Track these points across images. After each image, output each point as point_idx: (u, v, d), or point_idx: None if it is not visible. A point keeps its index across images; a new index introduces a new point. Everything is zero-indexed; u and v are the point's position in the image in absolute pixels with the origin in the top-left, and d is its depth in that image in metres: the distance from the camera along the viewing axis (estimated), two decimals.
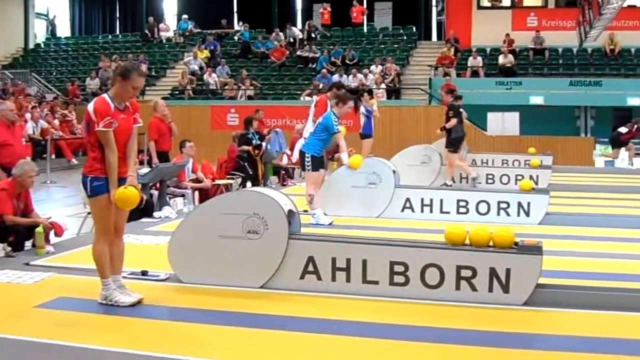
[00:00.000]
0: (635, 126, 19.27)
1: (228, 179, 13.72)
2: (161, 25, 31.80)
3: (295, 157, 15.87)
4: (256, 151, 14.64)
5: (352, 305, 5.87)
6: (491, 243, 5.99)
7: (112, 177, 5.54)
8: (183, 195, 11.71)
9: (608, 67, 25.67)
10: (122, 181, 5.59)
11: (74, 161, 20.94)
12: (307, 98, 15.23)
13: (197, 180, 12.28)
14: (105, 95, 5.69)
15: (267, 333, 5.15)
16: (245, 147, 14.56)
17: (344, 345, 4.94)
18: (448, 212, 10.26)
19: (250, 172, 14.39)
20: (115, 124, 5.54)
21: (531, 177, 12.49)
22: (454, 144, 13.55)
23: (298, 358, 4.69)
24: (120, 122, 5.59)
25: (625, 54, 26.16)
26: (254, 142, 14.58)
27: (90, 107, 5.59)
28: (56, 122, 22.26)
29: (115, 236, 5.80)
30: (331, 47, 27.77)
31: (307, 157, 9.85)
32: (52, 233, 7.93)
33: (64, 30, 35.46)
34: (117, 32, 34.64)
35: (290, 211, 6.39)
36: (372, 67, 25.58)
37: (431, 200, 10.34)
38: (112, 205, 5.59)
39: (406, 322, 5.45)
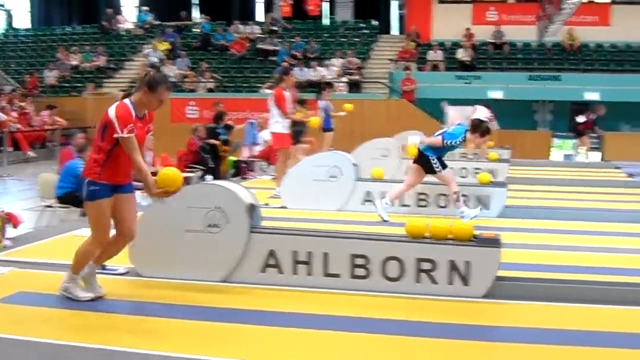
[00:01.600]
0: (592, 115, 19.48)
1: (187, 172, 13.63)
2: (119, 17, 31.42)
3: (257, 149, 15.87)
4: (225, 147, 14.63)
5: (313, 299, 5.88)
6: (450, 236, 6.04)
7: (146, 179, 5.58)
8: (142, 189, 11.57)
9: (567, 62, 25.94)
10: (122, 189, 5.65)
11: (31, 154, 20.65)
12: (267, 91, 15.15)
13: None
14: (127, 102, 5.55)
15: (228, 327, 5.14)
16: (212, 141, 14.55)
17: (304, 338, 4.95)
18: (408, 205, 10.32)
19: (212, 166, 14.34)
20: (135, 131, 5.47)
21: (490, 171, 12.59)
22: None
23: (258, 351, 4.68)
24: (137, 130, 5.50)
25: (584, 49, 26.48)
26: (221, 137, 14.59)
27: (112, 112, 5.43)
28: (14, 114, 21.89)
29: (126, 238, 5.80)
30: (292, 40, 27.71)
31: (434, 160, 9.78)
32: (8, 227, 7.79)
33: (23, 22, 34.91)
34: (76, 23, 34.14)
35: (251, 205, 6.38)
36: (333, 61, 25.59)
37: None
38: (109, 210, 5.56)
39: (367, 315, 5.46)
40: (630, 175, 16.08)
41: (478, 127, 10.09)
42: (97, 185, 5.48)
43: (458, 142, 9.81)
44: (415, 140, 10.67)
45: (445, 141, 9.60)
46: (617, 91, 23.42)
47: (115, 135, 5.39)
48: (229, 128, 15.36)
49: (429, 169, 9.79)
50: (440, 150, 9.79)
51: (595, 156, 21.47)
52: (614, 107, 21.93)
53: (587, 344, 4.89)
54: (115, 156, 5.51)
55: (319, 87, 17.02)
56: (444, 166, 9.86)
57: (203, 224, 6.23)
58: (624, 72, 24.68)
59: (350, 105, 15.52)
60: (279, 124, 11.55)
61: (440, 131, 10.04)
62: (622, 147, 20.66)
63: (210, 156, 14.47)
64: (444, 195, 10.18)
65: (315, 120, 12.91)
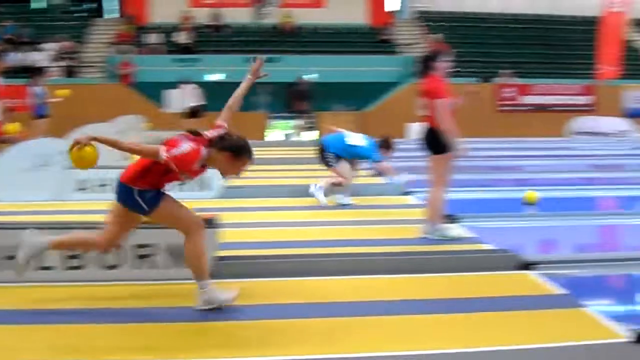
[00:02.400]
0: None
1: None
2: None
3: None
4: None
5: (20, 294, 5.56)
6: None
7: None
8: None
9: (285, 44, 26.74)
10: None
11: None
12: None
13: None
14: (203, 150, 5.02)
15: None
16: None
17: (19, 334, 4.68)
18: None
19: None
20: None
21: None
22: None
23: None
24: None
25: (301, 31, 27.43)
26: None
27: (186, 147, 4.94)
28: None
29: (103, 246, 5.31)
30: (3, 24, 25.91)
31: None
32: None
33: None
34: None
35: None
36: (47, 45, 24.29)
37: (108, 180, 10.09)
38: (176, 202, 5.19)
39: (88, 305, 5.30)
40: None
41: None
42: (151, 192, 5.10)
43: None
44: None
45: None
46: (333, 72, 24.60)
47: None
48: None
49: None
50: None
51: (311, 135, 22.41)
52: (327, 87, 23.04)
53: (314, 315, 5.08)
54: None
55: (31, 72, 16.15)
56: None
57: None
58: (339, 54, 25.91)
59: (65, 91, 14.85)
60: None
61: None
62: (337, 125, 21.70)
63: None
64: None
65: None
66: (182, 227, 5.24)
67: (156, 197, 5.14)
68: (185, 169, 5.00)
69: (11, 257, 5.76)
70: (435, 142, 7.43)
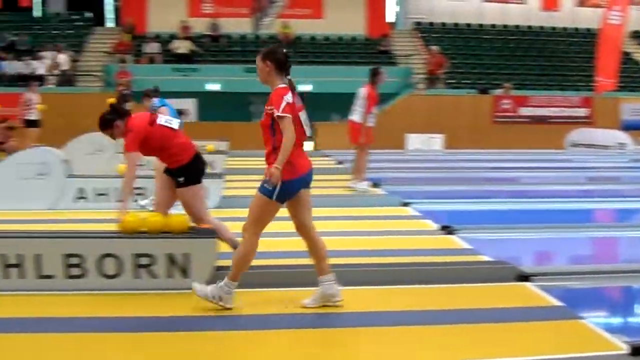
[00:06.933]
0: None
1: None
2: None
3: None
4: None
5: (27, 302, 5.58)
6: (167, 229, 6.00)
7: None
8: None
9: None
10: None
11: None
12: None
13: None
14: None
15: None
16: None
17: (20, 342, 4.71)
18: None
19: None
20: None
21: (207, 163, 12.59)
22: None
23: None
24: None
25: (298, 41, 27.53)
26: None
27: None
28: None
29: None
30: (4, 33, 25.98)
31: None
32: None
33: None
34: None
35: None
36: (45, 54, 24.32)
37: (106, 190, 10.13)
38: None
39: (86, 314, 5.31)
40: (340, 162, 17.03)
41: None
42: None
43: None
44: None
45: None
46: (328, 82, 24.66)
47: None
48: None
49: None
50: None
51: (308, 145, 22.42)
52: (325, 98, 23.07)
53: (306, 325, 5.12)
54: None
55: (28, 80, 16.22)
56: None
57: None
58: (336, 64, 25.99)
59: (41, 106, 14.76)
60: None
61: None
62: (332, 136, 21.75)
63: None
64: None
65: None
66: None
67: None
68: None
69: (10, 266, 5.81)
70: None
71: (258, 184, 5.37)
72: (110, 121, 6.39)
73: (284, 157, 5.19)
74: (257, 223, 5.45)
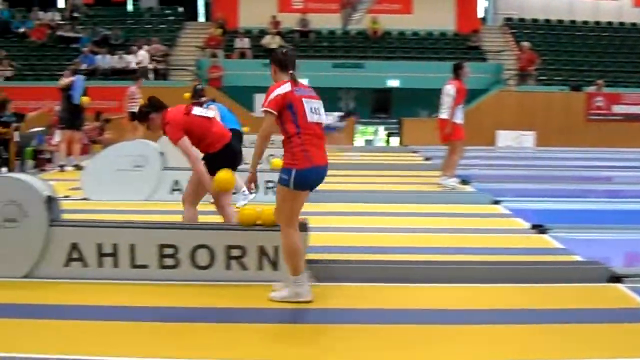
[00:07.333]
0: None
1: None
2: None
3: (57, 140, 15.21)
4: (4, 130, 13.90)
5: (120, 291, 5.73)
6: (259, 222, 6.07)
7: None
8: None
9: (370, 49, 26.78)
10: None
11: None
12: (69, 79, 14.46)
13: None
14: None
15: (32, 323, 4.91)
16: None
17: (111, 330, 4.81)
18: None
19: (6, 157, 13.66)
20: None
21: None
22: None
23: (63, 346, 4.47)
24: None
25: (387, 37, 27.44)
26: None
27: None
28: None
29: None
30: (94, 27, 26.74)
31: None
32: None
33: None
34: None
35: (49, 197, 6.09)
36: (138, 48, 24.93)
37: None
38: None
39: (177, 304, 5.41)
40: (427, 158, 16.91)
41: None
42: None
43: None
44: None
45: None
46: (416, 78, 24.50)
47: None
48: (20, 117, 14.54)
49: None
50: None
51: (395, 141, 22.35)
52: (413, 93, 22.95)
53: (402, 321, 5.08)
54: None
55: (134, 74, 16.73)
56: None
57: None
58: (424, 60, 25.79)
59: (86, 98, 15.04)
60: None
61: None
62: (420, 132, 21.65)
63: (3, 147, 13.76)
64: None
65: None
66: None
67: None
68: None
69: (105, 255, 5.99)
70: None
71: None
72: (146, 114, 6.78)
73: (256, 153, 5.59)
74: (284, 214, 5.49)
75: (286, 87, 5.41)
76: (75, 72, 14.01)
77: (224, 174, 6.46)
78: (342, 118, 18.18)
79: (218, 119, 8.37)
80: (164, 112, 6.73)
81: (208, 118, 6.89)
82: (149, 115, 6.75)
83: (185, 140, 6.62)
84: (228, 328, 4.93)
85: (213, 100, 10.49)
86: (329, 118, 15.98)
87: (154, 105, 6.79)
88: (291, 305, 5.37)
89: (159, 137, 8.65)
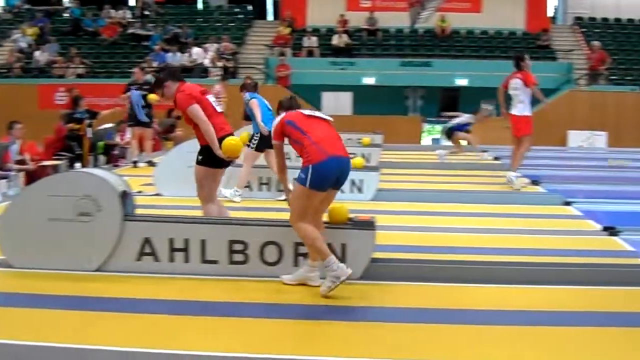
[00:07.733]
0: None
1: (55, 159, 13.27)
2: None
3: (128, 136, 15.53)
4: (77, 126, 14.26)
5: (190, 285, 5.83)
6: (327, 219, 6.11)
7: None
8: (7, 178, 11.25)
9: (438, 48, 26.58)
10: None
11: None
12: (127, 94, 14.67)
13: (23, 162, 11.85)
14: None
15: (104, 315, 5.03)
16: (70, 126, 14.22)
17: (182, 325, 4.90)
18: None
19: (80, 152, 14.03)
20: None
21: (363, 155, 12.80)
22: None
23: (136, 339, 4.57)
24: None
25: (455, 35, 27.22)
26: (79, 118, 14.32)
27: None
28: None
29: None
30: (164, 24, 27.20)
31: (256, 137, 10.17)
32: None
33: None
34: None
35: (123, 192, 6.25)
36: (208, 46, 25.28)
37: (269, 180, 10.43)
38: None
39: (246, 299, 5.47)
40: (496, 158, 16.71)
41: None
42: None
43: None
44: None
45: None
46: (485, 77, 24.18)
47: None
48: (93, 114, 14.89)
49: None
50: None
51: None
52: (481, 92, 22.64)
53: (459, 322, 5.06)
54: None
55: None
56: (261, 149, 10.11)
57: (74, 213, 6.05)
58: (493, 59, 25.48)
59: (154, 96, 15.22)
60: None
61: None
62: (489, 131, 21.37)
63: (77, 143, 14.12)
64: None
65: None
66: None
67: None
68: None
69: (176, 250, 6.10)
70: None
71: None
72: (163, 80, 6.90)
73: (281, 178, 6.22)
74: (296, 212, 5.62)
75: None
76: (130, 85, 13.99)
77: (232, 139, 6.68)
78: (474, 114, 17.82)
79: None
80: (180, 83, 6.86)
81: (216, 109, 6.97)
82: (165, 82, 6.86)
83: (197, 106, 6.74)
84: (298, 324, 4.99)
85: (256, 94, 10.52)
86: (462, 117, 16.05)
87: (171, 74, 6.97)
88: (373, 303, 5.41)
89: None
